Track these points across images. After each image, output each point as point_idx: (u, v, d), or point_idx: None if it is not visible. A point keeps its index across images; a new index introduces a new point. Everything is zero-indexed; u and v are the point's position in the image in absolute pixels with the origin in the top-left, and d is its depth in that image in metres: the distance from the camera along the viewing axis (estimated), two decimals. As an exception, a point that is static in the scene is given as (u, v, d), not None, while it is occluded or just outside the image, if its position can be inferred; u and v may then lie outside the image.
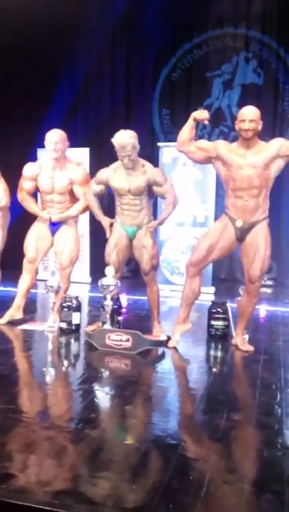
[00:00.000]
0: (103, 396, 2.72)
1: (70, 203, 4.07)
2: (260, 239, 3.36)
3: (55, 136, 3.91)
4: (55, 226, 4.09)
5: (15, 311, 4.10)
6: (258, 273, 3.38)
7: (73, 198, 4.08)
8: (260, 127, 3.30)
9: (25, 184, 4.07)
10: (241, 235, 3.39)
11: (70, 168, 4.04)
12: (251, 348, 3.50)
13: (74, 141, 6.80)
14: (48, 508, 1.60)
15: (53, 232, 4.11)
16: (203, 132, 6.90)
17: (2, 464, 1.87)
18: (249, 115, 3.26)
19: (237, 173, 3.30)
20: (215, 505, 1.67)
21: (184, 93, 7.32)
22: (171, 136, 7.33)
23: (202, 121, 3.41)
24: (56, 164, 3.98)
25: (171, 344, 3.50)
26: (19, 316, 4.11)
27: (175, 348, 3.50)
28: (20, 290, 4.13)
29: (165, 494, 1.69)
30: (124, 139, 3.51)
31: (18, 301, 4.13)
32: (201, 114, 3.38)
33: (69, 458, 1.99)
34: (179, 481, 1.79)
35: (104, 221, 3.81)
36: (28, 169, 4.07)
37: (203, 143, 3.51)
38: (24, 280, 4.12)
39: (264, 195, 3.36)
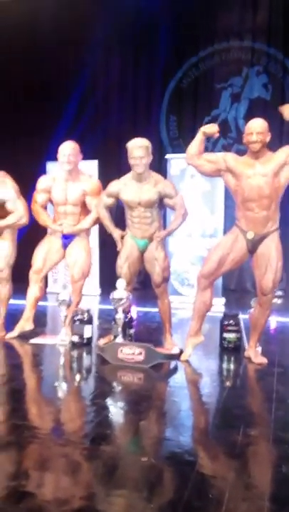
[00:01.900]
0: (117, 411, 2.69)
1: (82, 214, 4.09)
2: (271, 250, 3.34)
3: (68, 149, 3.96)
4: (67, 239, 4.11)
5: (25, 323, 4.11)
6: (271, 284, 3.35)
7: (85, 210, 4.10)
8: (268, 139, 3.30)
9: (39, 197, 4.11)
10: (252, 246, 3.37)
11: (82, 179, 4.09)
12: (265, 361, 3.46)
13: (82, 154, 6.90)
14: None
15: (65, 246, 4.12)
16: (206, 144, 6.93)
17: (18, 482, 1.85)
18: (256, 127, 3.26)
19: (246, 183, 3.30)
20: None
21: (191, 102, 7.38)
22: (178, 142, 7.37)
23: (212, 135, 3.42)
24: (69, 176, 4.02)
25: (183, 358, 3.47)
26: (29, 327, 4.11)
27: (187, 361, 3.47)
28: (29, 301, 4.14)
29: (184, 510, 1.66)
30: (140, 141, 3.59)
31: (28, 313, 4.13)
32: (211, 129, 3.40)
33: (85, 475, 1.96)
34: (197, 499, 1.76)
35: (116, 233, 3.81)
36: (42, 182, 4.13)
37: (212, 156, 3.51)
38: (32, 291, 4.13)
39: (274, 206, 3.35)
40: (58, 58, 7.25)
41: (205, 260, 3.50)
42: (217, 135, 3.45)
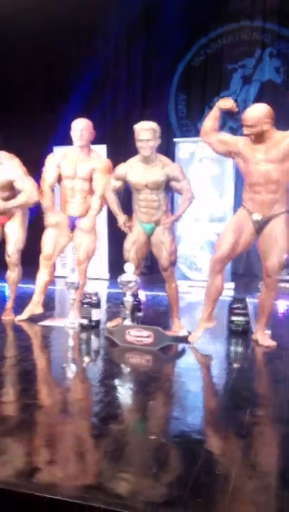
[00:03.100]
0: (126, 392, 2.73)
1: (90, 194, 4.06)
2: (278, 231, 3.33)
3: (81, 123, 3.95)
4: (74, 219, 4.10)
5: (34, 307, 4.15)
6: (276, 265, 3.34)
7: (92, 192, 4.08)
8: (265, 126, 3.20)
9: (48, 175, 4.07)
10: (259, 227, 3.37)
11: (93, 157, 4.07)
12: (273, 344, 3.47)
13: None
14: (77, 501, 1.61)
15: (72, 228, 4.12)
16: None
17: (30, 459, 1.90)
18: (247, 120, 3.20)
19: (255, 168, 3.28)
20: (243, 500, 1.67)
21: (201, 82, 7.28)
22: (185, 122, 7.30)
23: (229, 110, 3.35)
24: (80, 153, 4.01)
25: (192, 339, 3.48)
26: (39, 311, 4.15)
27: (195, 344, 3.49)
28: (39, 285, 4.17)
29: (193, 489, 1.69)
30: (148, 123, 3.59)
31: (37, 297, 4.17)
32: (227, 103, 3.33)
33: (94, 453, 2.00)
34: (205, 476, 1.79)
35: (121, 219, 3.80)
36: (51, 158, 4.10)
37: (226, 136, 3.48)
38: (42, 275, 4.15)
39: (282, 189, 3.32)
40: (67, 43, 7.18)
41: (217, 244, 3.48)
42: (235, 109, 3.37)
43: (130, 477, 1.78)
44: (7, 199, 4.00)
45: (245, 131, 3.22)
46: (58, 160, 4.06)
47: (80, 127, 3.94)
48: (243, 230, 3.38)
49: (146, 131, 3.54)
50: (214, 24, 7.21)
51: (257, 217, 3.34)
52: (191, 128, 7.29)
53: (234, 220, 3.51)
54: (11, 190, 4.00)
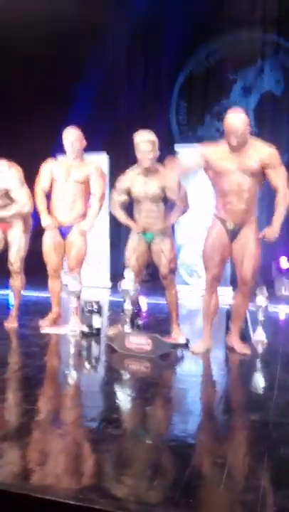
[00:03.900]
0: (124, 397, 2.80)
1: (81, 198, 4.10)
2: (250, 239, 3.38)
3: (71, 135, 4.07)
4: (65, 230, 4.15)
5: (54, 315, 4.25)
6: (250, 274, 3.41)
7: (87, 193, 4.13)
8: (247, 134, 3.23)
9: (42, 179, 4.12)
10: (233, 235, 3.42)
11: (87, 163, 4.17)
12: (248, 351, 3.50)
13: (92, 147, 6.94)
14: (72, 502, 1.69)
15: (64, 235, 4.16)
16: (215, 133, 6.99)
17: (27, 462, 1.98)
18: (236, 131, 3.17)
19: (227, 178, 3.30)
20: (233, 500, 1.74)
21: (202, 91, 7.35)
22: (185, 128, 7.39)
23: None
24: (74, 160, 4.11)
25: (195, 350, 3.52)
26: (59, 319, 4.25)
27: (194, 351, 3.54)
28: (54, 297, 4.27)
29: (185, 490, 1.77)
30: (148, 135, 3.66)
31: (55, 307, 4.26)
32: None
33: (92, 456, 2.08)
34: (198, 478, 1.86)
35: (136, 226, 3.85)
36: (45, 164, 4.18)
37: (189, 163, 3.48)
38: (54, 286, 4.25)
39: (254, 198, 3.38)
40: (69, 52, 7.28)
41: (206, 262, 3.49)
42: None
43: (126, 479, 1.85)
44: (5, 207, 4.09)
45: (234, 141, 3.21)
46: (51, 165, 4.15)
47: (71, 139, 4.05)
48: (222, 243, 3.42)
49: (145, 143, 3.63)
50: (215, 34, 7.31)
51: (230, 225, 3.39)
52: (191, 136, 7.38)
53: (212, 236, 3.46)
54: (11, 199, 4.09)
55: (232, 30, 7.19)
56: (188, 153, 6.26)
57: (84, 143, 4.15)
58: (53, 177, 4.12)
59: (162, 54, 7.40)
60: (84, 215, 4.13)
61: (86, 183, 4.10)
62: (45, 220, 4.10)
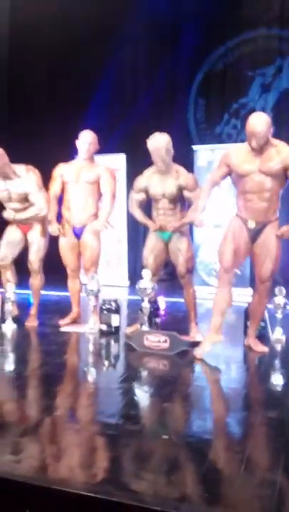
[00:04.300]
0: (143, 394, 2.84)
1: (93, 198, 4.15)
2: (271, 239, 3.38)
3: (88, 137, 4.12)
4: (78, 230, 4.20)
5: (76, 315, 4.31)
6: (269, 273, 3.41)
7: (98, 193, 4.17)
8: (269, 135, 3.24)
9: (53, 184, 4.18)
10: (254, 235, 3.42)
11: (97, 165, 4.20)
12: (265, 349, 3.52)
13: (110, 148, 7.00)
14: (90, 494, 1.73)
15: (78, 236, 4.21)
16: (231, 131, 6.98)
17: (47, 456, 2.03)
18: (259, 133, 3.17)
19: (248, 178, 3.31)
20: (250, 495, 1.75)
21: (220, 88, 7.33)
22: (203, 126, 7.39)
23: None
24: (84, 161, 4.15)
25: (199, 353, 3.36)
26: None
27: (211, 350, 3.54)
28: (74, 297, 4.33)
29: (202, 485, 1.79)
30: (159, 142, 3.65)
31: (76, 307, 4.33)
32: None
33: (110, 451, 2.11)
34: (215, 473, 1.88)
35: (153, 225, 3.89)
36: (56, 168, 4.23)
37: (217, 174, 3.50)
38: (74, 286, 4.32)
39: (275, 197, 3.37)
40: (86, 50, 7.34)
41: (220, 255, 3.49)
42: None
43: (143, 474, 1.88)
44: (25, 209, 4.17)
45: (255, 144, 3.22)
46: (61, 169, 4.20)
47: (88, 141, 4.09)
48: (240, 239, 3.42)
49: (159, 150, 3.64)
50: (233, 32, 7.29)
51: (251, 224, 3.39)
52: (209, 134, 7.38)
53: (230, 230, 3.48)
54: (29, 202, 4.16)
55: (251, 28, 7.16)
56: (205, 155, 6.37)
57: (97, 147, 4.20)
58: (64, 180, 4.17)
59: (180, 53, 7.40)
60: (96, 215, 4.17)
61: (97, 184, 4.15)
62: (51, 227, 4.19)
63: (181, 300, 4.16)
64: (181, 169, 3.82)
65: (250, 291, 5.88)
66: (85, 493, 1.73)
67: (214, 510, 1.65)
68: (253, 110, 7.18)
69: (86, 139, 4.12)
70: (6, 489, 1.83)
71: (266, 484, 1.81)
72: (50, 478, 1.84)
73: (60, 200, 4.27)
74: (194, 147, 6.60)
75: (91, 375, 3.20)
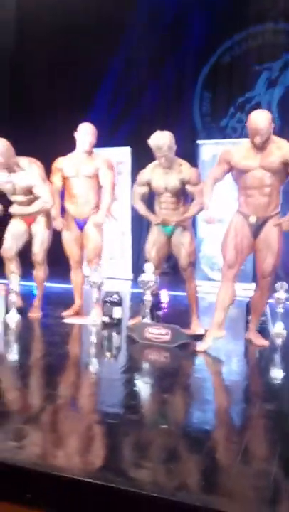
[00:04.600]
0: (143, 385, 2.88)
1: (93, 191, 4.18)
2: (272, 234, 3.40)
3: (88, 129, 4.13)
4: (81, 222, 4.24)
5: (79, 307, 4.35)
6: (271, 268, 3.44)
7: (97, 191, 4.20)
8: (271, 132, 3.26)
9: (54, 179, 4.21)
10: (255, 230, 3.44)
11: (95, 157, 4.21)
12: (266, 343, 3.56)
13: (115, 141, 6.99)
14: (91, 480, 1.77)
15: (81, 227, 4.25)
16: (236, 125, 6.98)
17: (49, 443, 2.07)
18: (261, 129, 3.20)
19: (249, 174, 3.34)
20: (245, 484, 1.79)
21: (226, 82, 7.32)
22: (208, 119, 7.39)
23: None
24: (83, 154, 4.16)
25: (201, 348, 3.39)
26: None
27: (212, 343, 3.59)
28: (77, 289, 4.38)
29: (199, 473, 1.83)
30: (160, 140, 3.65)
31: (78, 299, 4.37)
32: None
33: (111, 439, 2.16)
34: (212, 463, 1.92)
35: (155, 219, 3.91)
36: (55, 164, 4.24)
37: (217, 171, 3.52)
38: (77, 278, 4.37)
39: (276, 191, 3.39)
40: (91, 43, 7.33)
41: (223, 252, 3.53)
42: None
43: (143, 462, 1.93)
44: (30, 202, 4.20)
45: (258, 140, 3.23)
46: (60, 164, 4.21)
47: (88, 132, 4.10)
48: (242, 234, 3.44)
49: (160, 149, 3.64)
50: (239, 26, 7.26)
51: (252, 219, 3.41)
52: (214, 128, 7.38)
53: (232, 226, 3.50)
54: (34, 194, 4.19)
55: (258, 22, 7.13)
56: (209, 150, 6.38)
57: (95, 138, 4.19)
58: (64, 174, 4.20)
59: (186, 46, 7.36)
60: (98, 207, 4.20)
61: (96, 177, 4.17)
62: (56, 223, 4.23)
63: (184, 294, 4.19)
64: (185, 163, 3.84)
65: (253, 286, 5.94)
66: (85, 479, 1.78)
67: (210, 498, 1.69)
68: (258, 104, 7.20)
69: (86, 131, 4.13)
70: (8, 474, 1.87)
71: (262, 474, 1.85)
72: (51, 465, 1.89)
73: (61, 194, 4.31)
74: (199, 141, 6.60)
75: (93, 365, 3.24)
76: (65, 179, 4.21)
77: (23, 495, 1.82)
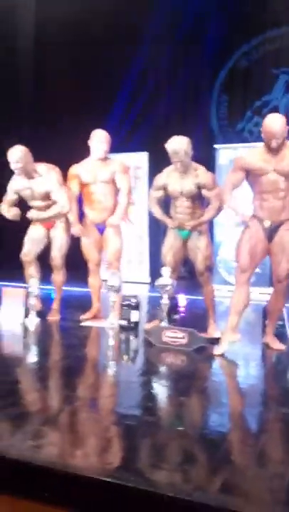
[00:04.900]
0: (160, 388, 2.91)
1: (112, 196, 4.23)
2: (287, 238, 3.41)
3: (101, 137, 4.18)
4: (101, 226, 4.30)
5: (97, 311, 4.40)
6: (285, 272, 3.43)
7: (115, 193, 4.24)
8: (285, 135, 3.27)
9: (71, 186, 4.26)
10: (270, 234, 3.45)
11: (110, 162, 4.26)
12: (283, 347, 3.56)
13: (132, 146, 7.05)
14: (107, 479, 1.80)
15: (101, 232, 4.31)
16: (252, 128, 6.97)
17: (67, 443, 2.11)
18: (277, 133, 3.22)
19: (263, 178, 3.36)
20: (261, 486, 1.80)
21: (243, 86, 7.33)
22: (225, 123, 7.39)
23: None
24: (98, 160, 4.22)
25: (217, 352, 3.41)
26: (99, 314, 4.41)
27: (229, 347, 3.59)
28: (94, 292, 4.43)
29: (214, 475, 1.85)
30: (177, 145, 3.69)
31: (96, 303, 4.43)
32: None
33: (128, 440, 2.18)
34: (227, 465, 1.94)
35: (172, 223, 3.95)
36: (71, 169, 4.31)
37: (234, 178, 3.51)
38: (95, 281, 4.42)
39: None
40: (109, 49, 7.41)
41: (236, 255, 3.54)
42: None
43: (158, 463, 1.95)
44: (48, 207, 4.27)
45: (274, 144, 3.26)
46: (77, 170, 4.26)
47: (102, 140, 4.15)
48: (257, 239, 3.45)
49: (177, 154, 3.67)
50: (257, 30, 7.28)
51: (266, 224, 3.42)
52: (230, 131, 7.39)
53: (247, 230, 3.52)
54: (51, 200, 4.26)
55: (275, 27, 7.13)
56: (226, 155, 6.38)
57: (109, 145, 4.23)
58: (81, 180, 4.25)
59: (204, 50, 7.40)
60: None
61: (114, 181, 4.22)
62: (74, 230, 4.28)
63: (201, 298, 4.21)
64: (200, 168, 3.86)
65: (270, 290, 5.91)
66: (102, 478, 1.81)
67: (226, 499, 1.71)
68: (276, 108, 7.19)
69: (100, 139, 4.18)
70: (26, 473, 1.92)
71: (278, 476, 1.85)
72: (68, 464, 1.92)
73: (79, 200, 4.36)
74: (216, 146, 6.62)
75: (110, 368, 3.28)
76: (82, 185, 4.28)
77: (41, 494, 1.86)
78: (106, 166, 4.23)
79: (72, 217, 4.28)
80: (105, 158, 4.26)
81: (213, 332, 3.87)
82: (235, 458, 2.00)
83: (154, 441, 2.13)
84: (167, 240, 4.00)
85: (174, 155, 3.70)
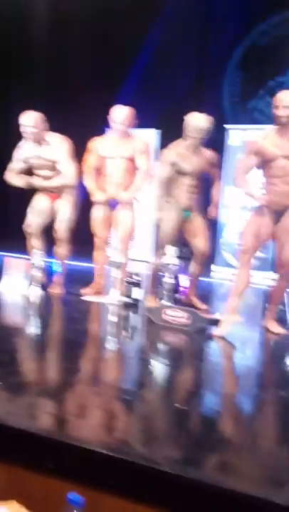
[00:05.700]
0: (157, 365, 2.92)
1: (129, 173, 4.18)
2: None
3: (123, 113, 4.10)
4: (114, 202, 4.27)
5: (99, 286, 4.38)
6: None
7: (133, 173, 4.19)
8: None
9: (89, 157, 4.22)
10: (276, 218, 3.43)
11: (132, 138, 4.19)
12: (282, 331, 3.57)
13: (143, 123, 6.94)
14: (104, 451, 1.82)
15: (113, 207, 4.27)
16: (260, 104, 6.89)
17: (64, 413, 2.13)
18: (284, 101, 3.21)
19: (272, 163, 3.34)
20: (254, 465, 1.82)
21: (257, 66, 7.22)
22: (236, 100, 7.30)
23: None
24: (120, 135, 4.15)
25: (217, 333, 3.40)
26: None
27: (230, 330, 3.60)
28: (99, 266, 4.40)
29: (209, 451, 1.86)
30: (203, 122, 3.65)
31: (99, 278, 4.41)
32: None
33: (124, 415, 2.20)
34: (222, 442, 1.95)
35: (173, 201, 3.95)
36: (92, 141, 4.25)
37: (247, 164, 3.45)
38: (100, 257, 4.37)
39: None
40: (124, 25, 7.27)
41: (241, 236, 3.56)
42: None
43: (155, 437, 1.97)
44: (51, 178, 4.22)
45: (280, 113, 3.22)
46: (98, 143, 4.20)
47: (122, 118, 4.06)
48: (262, 221, 3.43)
49: (201, 130, 3.62)
50: (275, 10, 7.11)
51: (274, 207, 3.39)
52: (241, 108, 7.28)
53: (254, 212, 3.54)
54: (57, 171, 4.21)
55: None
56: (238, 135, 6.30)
57: (133, 121, 4.16)
58: (100, 154, 4.19)
59: (219, 28, 7.26)
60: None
61: (133, 159, 4.16)
62: (98, 196, 4.19)
63: (204, 279, 4.20)
64: (204, 149, 3.82)
65: (273, 274, 5.90)
66: (98, 450, 1.83)
67: (220, 476, 1.72)
68: (289, 89, 7.06)
69: (119, 118, 4.07)
70: (24, 441, 1.94)
71: (272, 457, 1.87)
72: (65, 434, 1.94)
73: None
74: (226, 126, 6.53)
75: (109, 343, 3.29)
76: (101, 159, 4.21)
77: (37, 462, 1.88)
78: (128, 142, 4.17)
79: (92, 186, 4.20)
80: (127, 135, 4.19)
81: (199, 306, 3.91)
82: (229, 436, 2.01)
83: (150, 417, 2.15)
84: (168, 219, 3.96)
85: (195, 131, 3.64)
